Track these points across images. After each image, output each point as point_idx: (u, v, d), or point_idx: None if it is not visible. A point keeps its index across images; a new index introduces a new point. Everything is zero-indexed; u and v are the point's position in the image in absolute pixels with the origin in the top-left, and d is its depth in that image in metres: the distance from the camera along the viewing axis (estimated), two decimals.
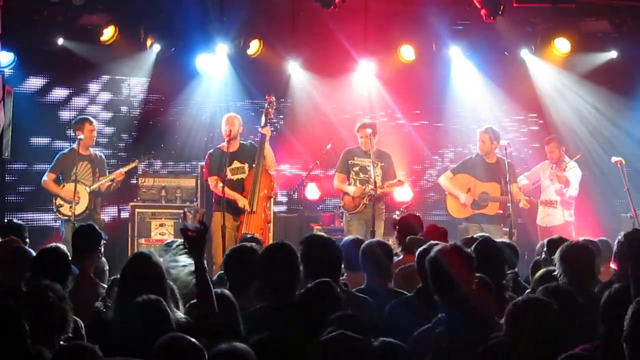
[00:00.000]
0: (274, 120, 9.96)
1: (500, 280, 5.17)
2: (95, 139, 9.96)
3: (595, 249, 6.04)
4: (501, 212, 9.96)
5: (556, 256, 5.50)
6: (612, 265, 6.50)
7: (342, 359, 3.43)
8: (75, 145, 9.83)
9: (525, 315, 4.02)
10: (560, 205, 10.17)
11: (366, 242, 6.06)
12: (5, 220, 7.96)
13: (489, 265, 5.12)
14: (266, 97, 9.77)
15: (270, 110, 9.62)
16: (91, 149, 9.97)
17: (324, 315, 4.19)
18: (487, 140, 10.07)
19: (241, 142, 9.70)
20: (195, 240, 4.33)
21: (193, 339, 3.62)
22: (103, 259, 6.62)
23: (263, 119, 9.60)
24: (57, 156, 9.97)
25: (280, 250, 4.90)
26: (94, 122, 10.01)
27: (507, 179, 9.69)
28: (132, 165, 10.31)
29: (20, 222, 8.05)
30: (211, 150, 9.77)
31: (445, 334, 4.40)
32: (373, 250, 5.81)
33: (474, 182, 10.13)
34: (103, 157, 10.23)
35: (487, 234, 6.19)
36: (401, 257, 6.68)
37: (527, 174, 10.74)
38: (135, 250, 10.17)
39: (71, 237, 6.70)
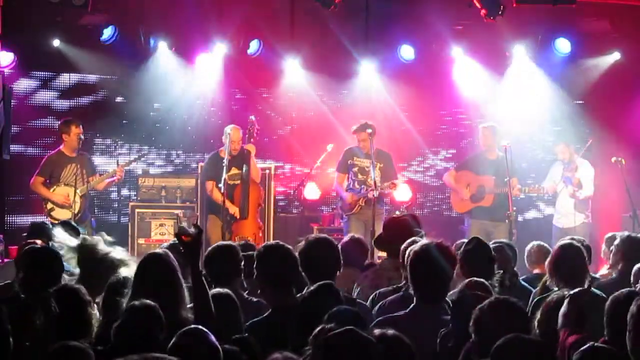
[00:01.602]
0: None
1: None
2: (81, 141, 9.81)
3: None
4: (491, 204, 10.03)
5: (547, 262, 5.51)
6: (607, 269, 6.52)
7: (349, 355, 3.40)
8: (62, 148, 9.82)
9: None
10: (574, 209, 10.25)
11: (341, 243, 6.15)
12: (34, 221, 7.94)
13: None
14: (249, 120, 9.97)
15: (252, 130, 9.87)
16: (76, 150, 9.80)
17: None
18: (490, 135, 10.13)
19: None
20: (191, 245, 4.31)
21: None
22: None
23: (247, 137, 9.84)
24: (45, 159, 9.91)
25: (277, 250, 4.91)
26: (80, 124, 9.91)
27: (505, 179, 9.69)
28: (126, 162, 10.29)
29: (46, 222, 7.99)
30: (210, 155, 9.87)
31: (450, 334, 4.40)
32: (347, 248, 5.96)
33: (472, 177, 10.25)
34: (89, 156, 10.15)
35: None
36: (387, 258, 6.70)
37: (544, 183, 10.79)
38: (135, 251, 10.23)
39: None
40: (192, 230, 4.37)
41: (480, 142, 10.29)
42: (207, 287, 4.30)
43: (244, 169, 9.68)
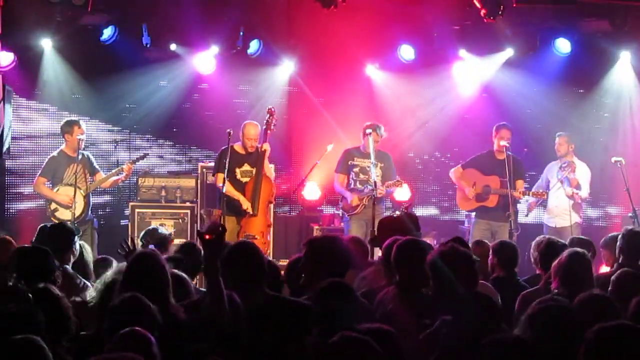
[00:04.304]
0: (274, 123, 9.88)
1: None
2: (84, 142, 9.80)
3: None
4: (495, 205, 10.03)
5: (552, 265, 5.52)
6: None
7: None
8: (64, 148, 9.80)
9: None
10: (570, 209, 10.19)
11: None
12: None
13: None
14: (267, 110, 9.84)
15: (270, 122, 9.70)
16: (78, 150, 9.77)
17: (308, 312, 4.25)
18: (508, 135, 10.10)
19: None
20: (213, 243, 4.25)
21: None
22: None
23: (264, 128, 9.67)
24: (47, 159, 9.91)
25: (241, 249, 4.83)
26: (83, 125, 9.93)
27: (509, 177, 9.72)
28: (134, 160, 10.28)
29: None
30: (224, 147, 9.56)
31: (451, 335, 4.41)
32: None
33: (479, 176, 10.24)
34: (90, 156, 10.13)
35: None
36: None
37: (535, 185, 10.76)
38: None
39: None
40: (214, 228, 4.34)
41: (497, 142, 10.13)
42: (222, 287, 4.24)
43: (258, 165, 9.51)
